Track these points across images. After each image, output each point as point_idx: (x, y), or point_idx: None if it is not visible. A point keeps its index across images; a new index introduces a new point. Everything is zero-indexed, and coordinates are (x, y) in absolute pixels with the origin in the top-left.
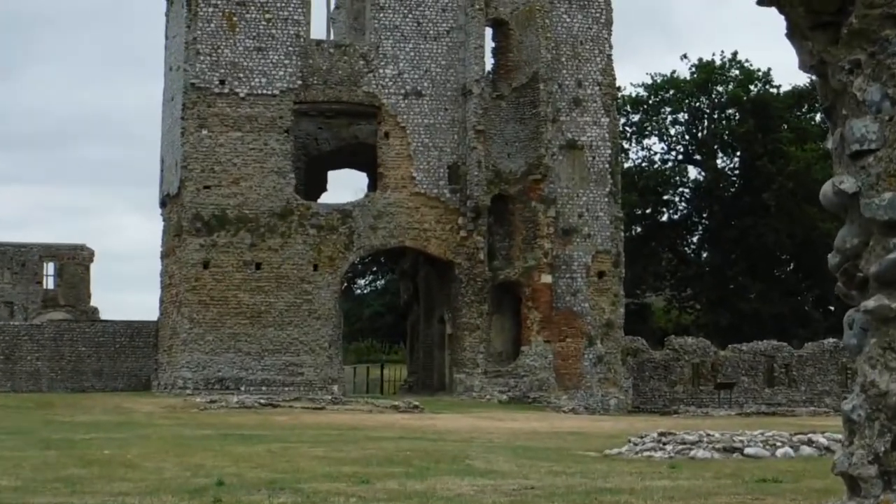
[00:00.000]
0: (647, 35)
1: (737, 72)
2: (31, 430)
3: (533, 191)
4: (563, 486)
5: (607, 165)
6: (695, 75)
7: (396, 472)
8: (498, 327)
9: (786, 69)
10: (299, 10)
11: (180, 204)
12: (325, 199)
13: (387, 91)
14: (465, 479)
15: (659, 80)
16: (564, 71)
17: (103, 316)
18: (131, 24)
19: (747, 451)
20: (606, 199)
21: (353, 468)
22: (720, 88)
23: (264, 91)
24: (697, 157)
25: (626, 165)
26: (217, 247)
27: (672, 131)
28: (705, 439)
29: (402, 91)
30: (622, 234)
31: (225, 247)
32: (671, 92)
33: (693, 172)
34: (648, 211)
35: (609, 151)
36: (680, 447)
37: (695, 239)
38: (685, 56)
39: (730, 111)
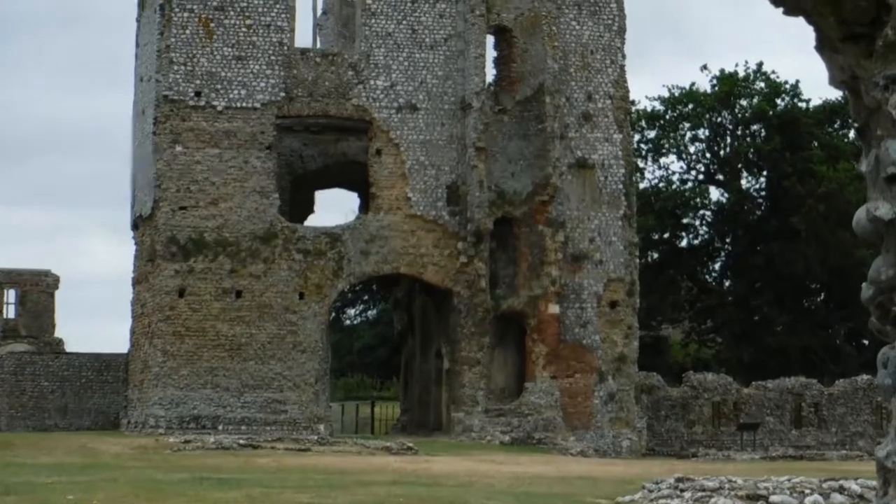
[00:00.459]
0: (663, 44)
1: (762, 84)
2: None
3: (539, 213)
4: None
5: (621, 186)
6: (716, 88)
7: None
8: (500, 362)
9: (816, 81)
10: (283, 15)
11: (154, 226)
12: (311, 221)
13: (379, 104)
14: None
15: (677, 94)
16: (573, 83)
17: (69, 348)
18: (101, 29)
19: (773, 498)
20: (620, 223)
21: None
22: (744, 102)
23: (244, 104)
24: (719, 177)
25: (641, 186)
26: (194, 273)
27: (691, 149)
28: (727, 486)
29: (396, 104)
30: (637, 260)
31: (202, 273)
32: (690, 106)
33: (715, 194)
34: (666, 235)
35: (622, 171)
36: (699, 494)
37: (716, 266)
38: (705, 67)
39: (755, 127)
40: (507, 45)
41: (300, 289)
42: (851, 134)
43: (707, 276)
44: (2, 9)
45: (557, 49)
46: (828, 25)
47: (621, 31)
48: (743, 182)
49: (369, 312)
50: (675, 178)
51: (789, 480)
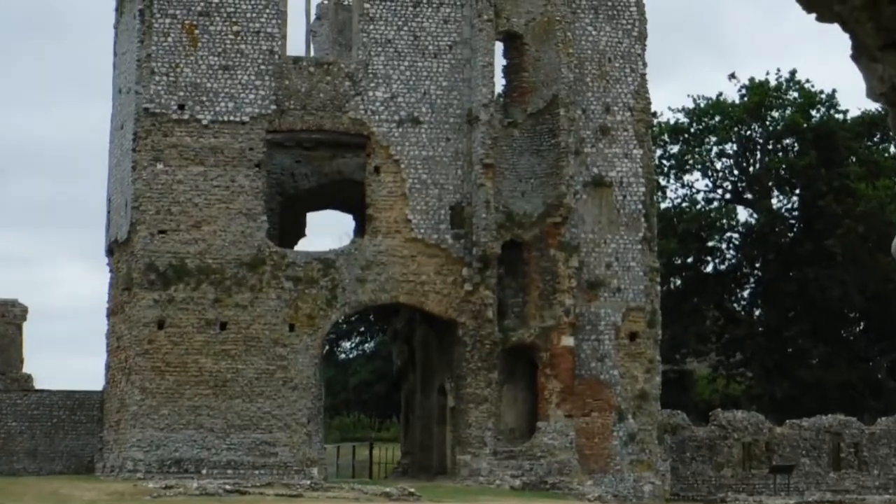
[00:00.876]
0: (688, 51)
1: (795, 94)
2: None
3: (552, 236)
4: None
5: (640, 206)
6: (745, 98)
7: None
8: (509, 399)
9: (854, 91)
10: (273, 21)
11: (130, 252)
12: (303, 245)
13: (377, 118)
14: None
15: (702, 105)
16: (590, 93)
17: (38, 385)
18: (74, 37)
19: None
20: (639, 247)
21: None
22: (775, 114)
23: (231, 118)
24: (748, 195)
25: (662, 206)
26: (174, 303)
27: (718, 165)
28: None
29: (396, 118)
30: (658, 288)
31: (183, 303)
32: (717, 118)
33: (743, 214)
34: (690, 260)
35: (643, 189)
36: None
37: (745, 294)
38: (733, 76)
39: (787, 141)
40: (517, 52)
41: (290, 320)
42: (892, 148)
43: (735, 305)
44: None
45: (572, 57)
46: (865, 33)
47: (642, 36)
48: (774, 201)
49: (366, 345)
50: (699, 197)
51: None
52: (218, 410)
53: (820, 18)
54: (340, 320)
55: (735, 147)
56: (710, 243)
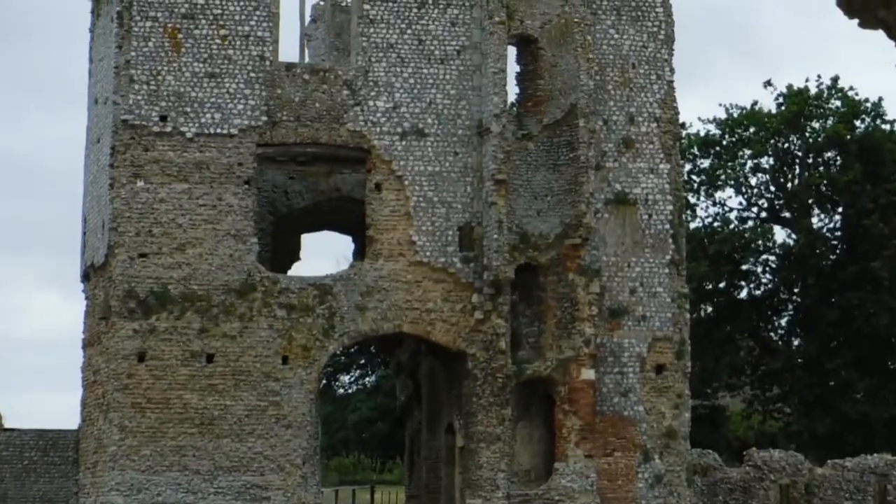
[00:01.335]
0: (719, 55)
1: (838, 103)
2: None
3: (570, 259)
4: None
5: (668, 226)
6: (783, 108)
7: None
8: (524, 438)
9: None
10: (264, 24)
11: (108, 277)
12: (297, 270)
13: (379, 130)
14: None
15: (736, 115)
16: (612, 102)
17: (7, 423)
18: (44, 41)
19: None
20: (667, 271)
21: None
22: (816, 125)
23: (219, 130)
24: (786, 214)
25: (692, 226)
26: (156, 333)
27: (753, 181)
28: None
29: (399, 130)
30: (687, 315)
31: (166, 333)
32: (751, 130)
33: (780, 235)
34: (722, 285)
35: (670, 208)
36: None
37: (783, 321)
38: (770, 83)
39: (829, 154)
40: (532, 58)
41: (284, 351)
42: None
43: (772, 334)
44: None
45: (592, 62)
46: None
47: (669, 40)
48: (814, 220)
49: (367, 379)
50: (732, 216)
51: None
52: (204, 451)
53: (863, 25)
54: (339, 352)
55: (771, 161)
56: (745, 266)
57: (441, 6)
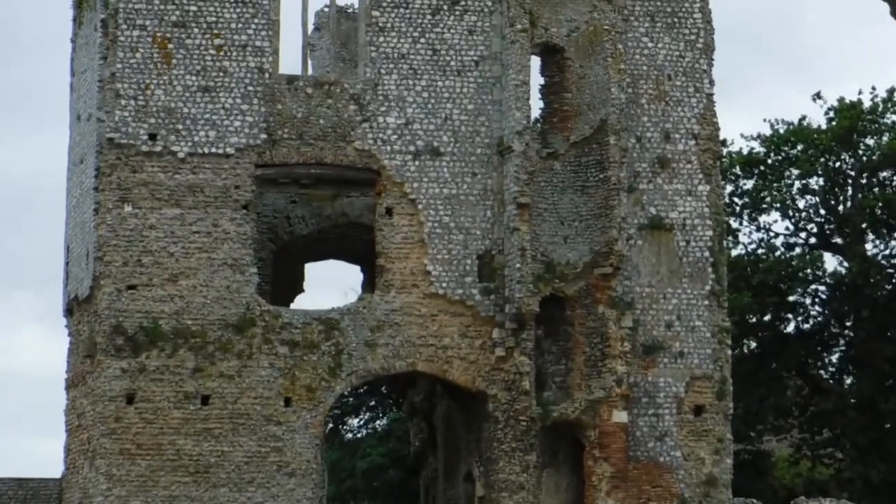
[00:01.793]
0: (764, 65)
1: (895, 117)
2: None
3: (600, 290)
4: None
5: (707, 253)
6: (834, 122)
7: None
8: (551, 486)
9: None
10: (263, 32)
11: (93, 311)
12: (300, 303)
13: (389, 148)
14: None
15: (782, 131)
16: (645, 118)
17: None
18: (20, 51)
19: None
20: (706, 303)
21: None
22: (870, 141)
23: (213, 149)
24: (837, 240)
25: (734, 253)
26: (146, 373)
27: (801, 203)
28: None
29: (412, 148)
30: (729, 352)
31: (157, 373)
32: (799, 147)
33: (831, 262)
34: (767, 318)
35: (710, 233)
36: None
37: (834, 358)
38: (819, 95)
39: (884, 174)
40: (557, 69)
41: (286, 393)
42: None
43: (822, 372)
44: None
45: (624, 74)
46: None
47: (708, 49)
48: (868, 246)
49: (377, 423)
50: (779, 242)
51: None
52: (199, 501)
53: None
54: (346, 393)
55: (821, 181)
56: (792, 298)
57: (457, 13)
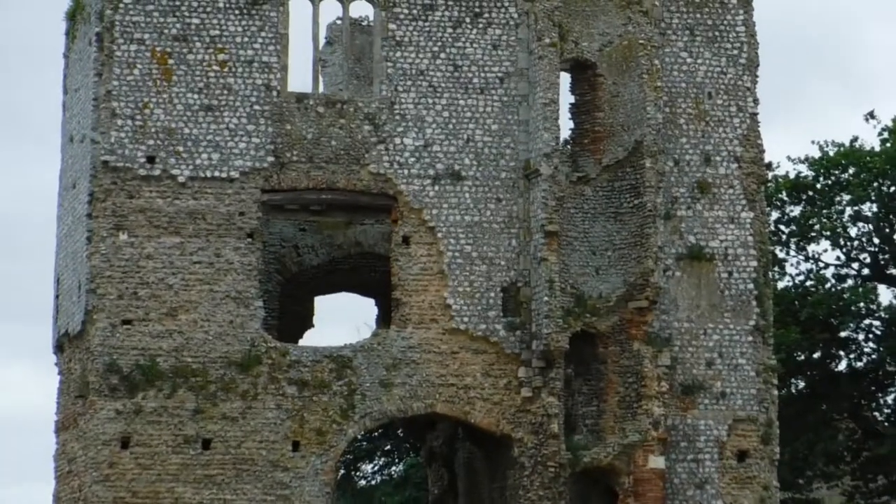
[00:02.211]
0: (812, 83)
1: None
2: None
3: (635, 326)
4: None
5: (751, 286)
6: (888, 144)
7: None
8: None
9: None
10: (270, 47)
11: (86, 348)
12: (310, 339)
13: (406, 172)
14: None
15: (832, 153)
16: (684, 139)
17: None
18: (8, 67)
19: None
20: (750, 339)
21: None
22: None
23: (217, 173)
24: (892, 271)
25: (780, 285)
26: (142, 414)
27: (853, 232)
28: None
29: (431, 172)
30: (775, 392)
31: (155, 414)
32: (851, 171)
33: (886, 295)
34: (817, 356)
35: (754, 264)
36: None
37: (889, 399)
38: (872, 115)
39: None
40: (589, 86)
41: (294, 436)
42: None
43: (876, 413)
44: None
45: (661, 91)
46: None
47: (752, 65)
48: None
49: (393, 469)
50: (829, 273)
51: None
52: None
53: None
54: (359, 436)
55: (875, 208)
56: (843, 333)
57: (480, 26)
